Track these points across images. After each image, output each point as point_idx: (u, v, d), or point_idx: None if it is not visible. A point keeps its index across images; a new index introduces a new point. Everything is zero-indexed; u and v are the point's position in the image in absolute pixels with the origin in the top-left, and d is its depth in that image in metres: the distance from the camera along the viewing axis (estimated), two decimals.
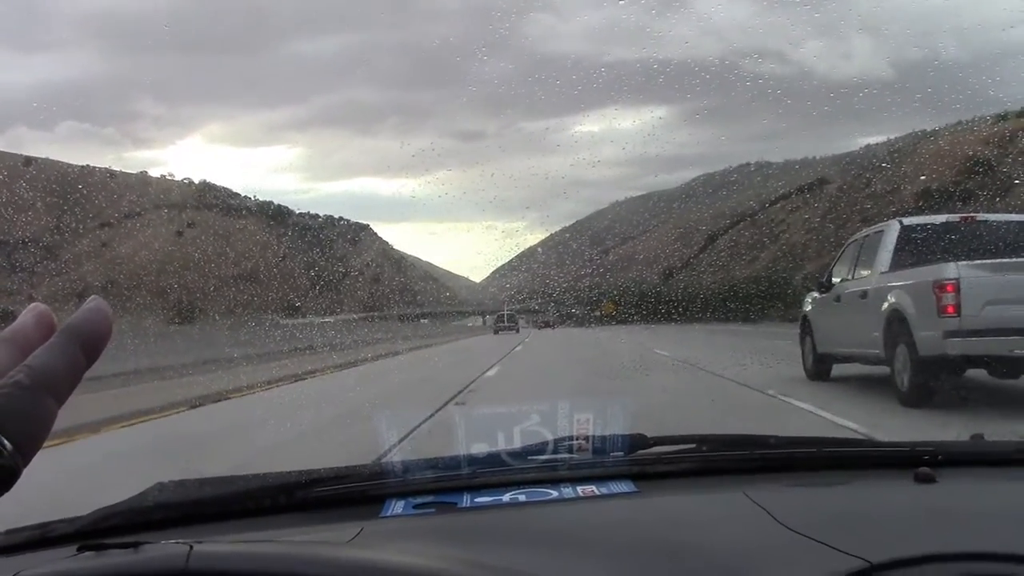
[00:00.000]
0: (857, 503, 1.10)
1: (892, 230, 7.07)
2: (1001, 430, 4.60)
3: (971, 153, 54.93)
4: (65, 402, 0.39)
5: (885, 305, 6.52)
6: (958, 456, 1.29)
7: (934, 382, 5.97)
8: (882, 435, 4.70)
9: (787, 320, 20.87)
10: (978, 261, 6.02)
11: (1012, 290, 5.71)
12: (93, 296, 0.42)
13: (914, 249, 6.73)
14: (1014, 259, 6.06)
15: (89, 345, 0.40)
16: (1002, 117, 58.07)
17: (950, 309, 5.73)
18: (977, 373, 6.43)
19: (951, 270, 5.83)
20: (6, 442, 0.35)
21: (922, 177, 59.40)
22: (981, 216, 7.37)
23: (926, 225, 7.03)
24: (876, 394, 6.76)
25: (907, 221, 7.18)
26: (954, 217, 7.17)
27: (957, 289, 5.72)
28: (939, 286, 5.81)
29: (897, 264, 6.75)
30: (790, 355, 9.31)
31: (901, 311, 6.26)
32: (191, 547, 0.68)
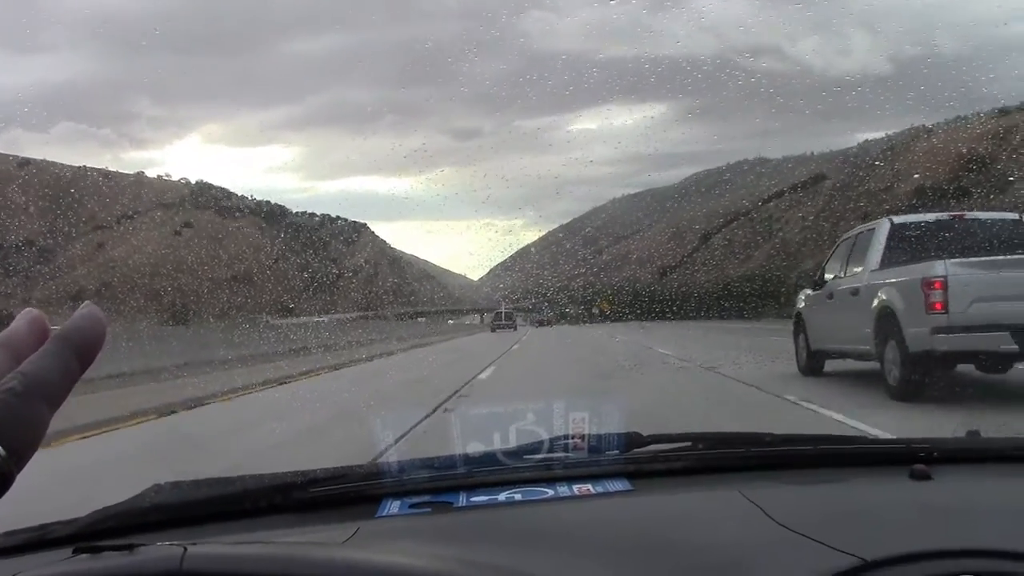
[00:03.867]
0: (853, 500, 1.10)
1: (883, 228, 7.15)
2: (994, 425, 4.63)
3: (966, 150, 55.09)
4: (59, 408, 0.39)
5: (875, 302, 6.59)
6: (954, 453, 1.29)
7: (923, 377, 6.03)
8: (875, 430, 4.72)
9: (782, 317, 20.93)
10: (967, 259, 6.09)
11: (1000, 287, 5.78)
12: (87, 302, 0.42)
13: (905, 247, 6.80)
14: (1002, 256, 6.14)
15: (83, 351, 0.40)
16: (1003, 112, 57.91)
17: (938, 306, 5.81)
18: (969, 368, 6.48)
19: (939, 268, 5.92)
20: (0, 448, 0.35)
21: (915, 176, 59.53)
22: (971, 214, 7.44)
23: (917, 223, 7.11)
24: (868, 389, 6.79)
25: (898, 219, 7.27)
26: (944, 215, 7.24)
27: (945, 286, 5.80)
28: (927, 283, 5.89)
29: (888, 262, 6.81)
30: (784, 352, 9.34)
31: (891, 308, 6.33)
32: (186, 548, 0.68)
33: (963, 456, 1.31)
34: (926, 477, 1.11)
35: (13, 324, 0.41)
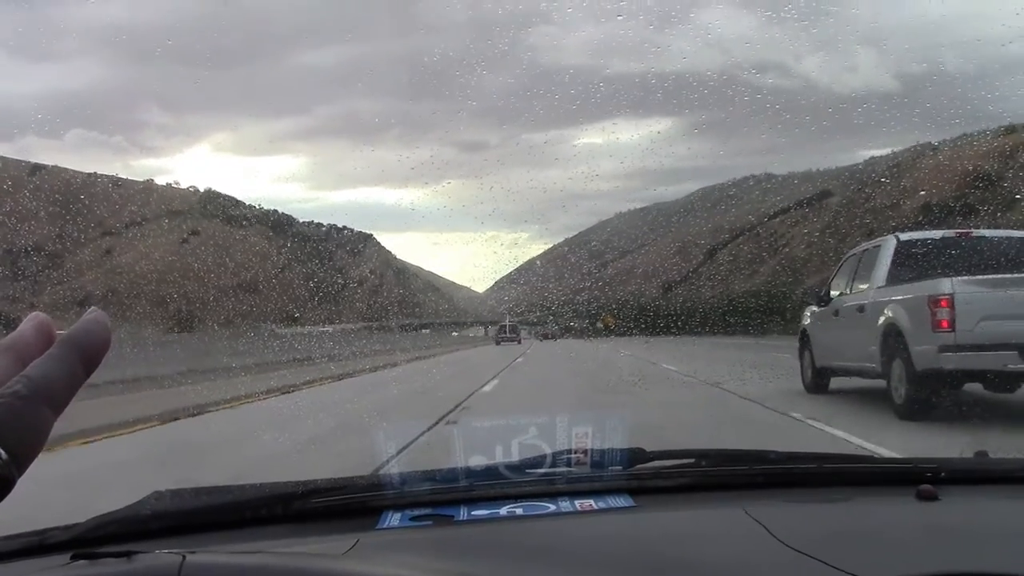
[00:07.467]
0: (857, 520, 1.09)
1: (889, 245, 7.14)
2: (1002, 445, 4.58)
3: (971, 168, 55.10)
4: (62, 413, 0.39)
5: (882, 319, 6.56)
6: (961, 473, 1.28)
7: (930, 396, 6.00)
8: (881, 449, 4.69)
9: (787, 334, 20.83)
10: (973, 276, 6.08)
11: (1007, 305, 5.76)
12: (92, 307, 0.43)
13: (911, 264, 6.79)
14: (1009, 275, 6.12)
15: (88, 356, 0.40)
16: (1009, 130, 57.80)
17: (944, 324, 5.79)
18: (976, 387, 6.43)
19: (946, 285, 5.90)
20: (2, 452, 0.35)
21: (921, 193, 59.53)
22: (978, 232, 7.42)
23: (923, 240, 7.10)
24: (874, 408, 6.75)
25: (904, 236, 7.28)
26: (951, 233, 7.22)
27: (952, 304, 5.78)
28: (934, 301, 5.87)
29: (894, 279, 6.79)
30: (789, 369, 9.29)
31: (897, 325, 6.31)
32: (184, 557, 0.68)
33: (970, 477, 1.29)
34: (933, 498, 1.10)
35: (20, 328, 0.41)
